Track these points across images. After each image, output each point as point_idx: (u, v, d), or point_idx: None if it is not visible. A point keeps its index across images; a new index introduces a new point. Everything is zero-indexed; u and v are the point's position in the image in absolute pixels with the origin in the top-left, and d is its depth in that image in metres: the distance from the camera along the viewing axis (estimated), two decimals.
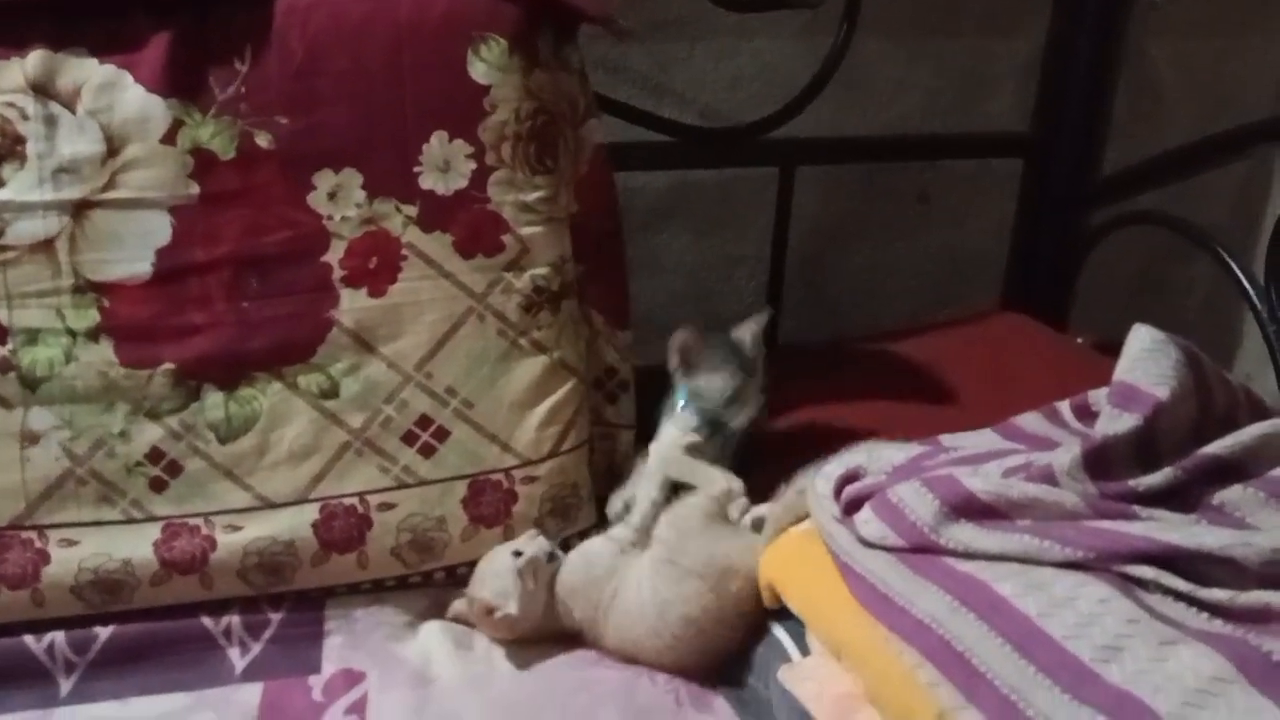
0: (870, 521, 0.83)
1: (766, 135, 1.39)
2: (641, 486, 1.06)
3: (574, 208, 1.09)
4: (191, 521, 0.98)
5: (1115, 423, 0.78)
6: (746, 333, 1.10)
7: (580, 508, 1.08)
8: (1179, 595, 0.69)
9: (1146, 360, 0.80)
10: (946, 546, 0.78)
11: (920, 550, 0.79)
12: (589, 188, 1.11)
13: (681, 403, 1.09)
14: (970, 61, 1.58)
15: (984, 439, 0.97)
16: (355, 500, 1.01)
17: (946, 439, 0.97)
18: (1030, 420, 0.97)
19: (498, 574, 0.97)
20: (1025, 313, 1.45)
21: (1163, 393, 0.77)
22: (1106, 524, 0.75)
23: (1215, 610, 0.68)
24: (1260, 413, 0.83)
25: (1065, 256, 1.48)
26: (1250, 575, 0.69)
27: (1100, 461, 0.78)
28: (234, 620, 0.99)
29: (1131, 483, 0.77)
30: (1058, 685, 0.66)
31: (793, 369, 1.36)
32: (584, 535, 1.08)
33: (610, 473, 1.14)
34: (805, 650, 0.88)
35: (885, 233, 1.65)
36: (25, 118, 0.95)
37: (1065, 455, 0.80)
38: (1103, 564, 0.72)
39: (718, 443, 1.08)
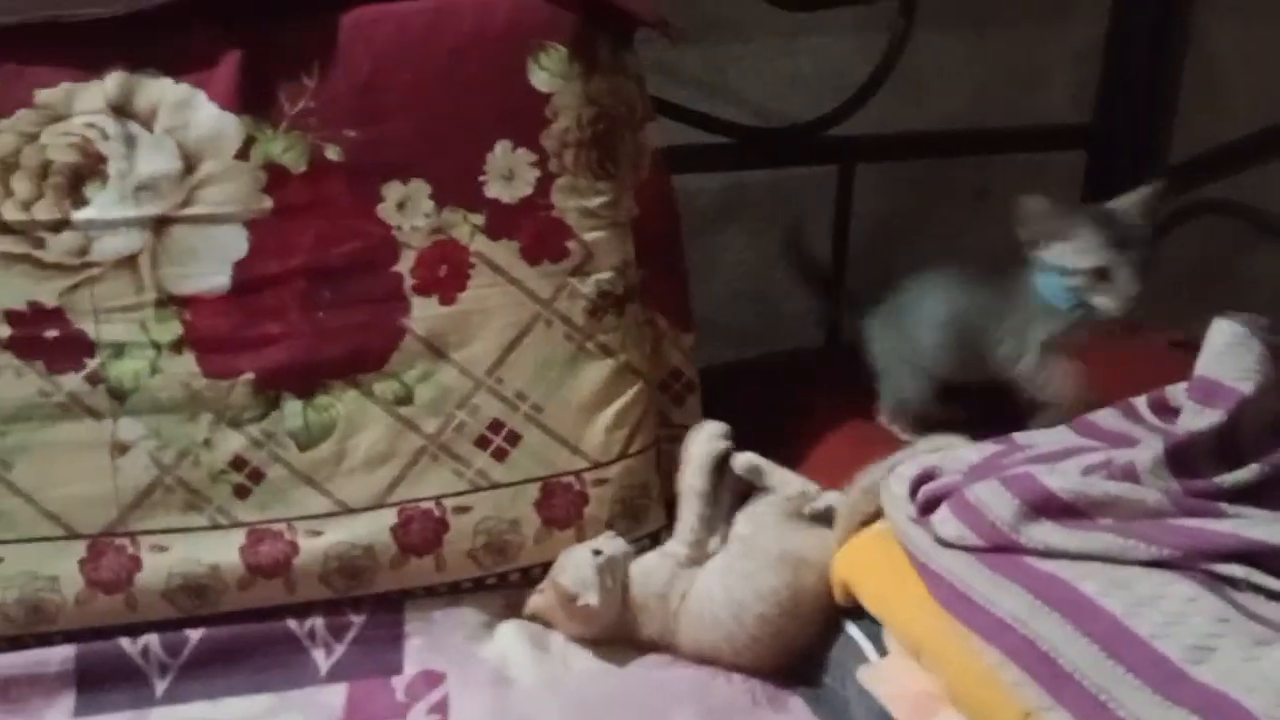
0: (948, 521, 0.83)
1: (824, 134, 1.39)
2: (682, 506, 1.04)
3: (635, 212, 1.10)
4: (275, 527, 1.00)
5: (1198, 419, 0.77)
6: (1127, 202, 1.01)
7: (650, 509, 1.09)
8: (1271, 594, 0.68)
9: (1229, 355, 0.79)
10: (1027, 546, 0.77)
11: (1000, 550, 0.78)
12: (648, 192, 1.12)
13: (1040, 280, 1.03)
14: (1028, 52, 1.56)
15: (1060, 436, 0.96)
16: (432, 504, 1.02)
17: (1020, 437, 0.96)
18: (1107, 417, 0.96)
19: (578, 565, 0.99)
20: None
21: (1247, 388, 0.77)
22: (1192, 522, 0.74)
23: None
24: None
25: None
26: None
27: (1184, 458, 0.77)
28: (317, 622, 1.01)
29: (1217, 479, 0.76)
30: (1148, 685, 0.64)
31: (854, 370, 1.37)
32: (654, 538, 1.09)
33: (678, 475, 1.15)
34: (883, 650, 0.88)
35: (945, 229, 1.63)
36: (106, 137, 0.98)
37: (1147, 452, 0.79)
38: (1190, 562, 0.71)
39: (1077, 331, 1.02)
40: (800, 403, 1.26)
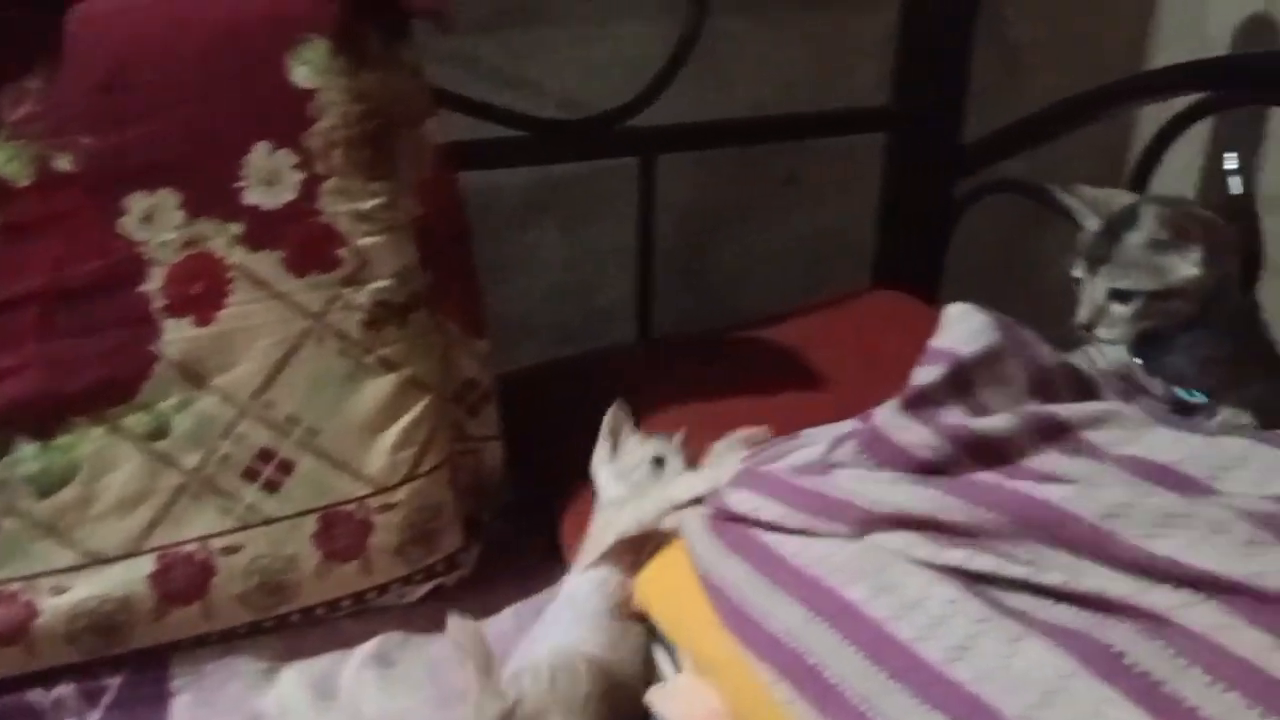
0: (744, 500, 0.83)
1: (623, 124, 1.34)
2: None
3: (418, 212, 1.03)
4: (8, 588, 0.89)
5: (923, 374, 0.84)
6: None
7: (445, 532, 1.02)
8: (1022, 585, 0.68)
9: (953, 327, 0.88)
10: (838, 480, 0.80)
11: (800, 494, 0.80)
12: (433, 191, 1.05)
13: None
14: (833, 35, 1.55)
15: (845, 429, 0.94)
16: (195, 546, 0.93)
17: (808, 433, 0.96)
18: (884, 411, 0.95)
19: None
20: (897, 289, 1.43)
21: (965, 349, 0.85)
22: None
23: (1056, 595, 0.67)
24: (1083, 387, 0.90)
25: (932, 230, 1.47)
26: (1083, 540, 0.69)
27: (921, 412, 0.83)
28: (66, 690, 0.91)
29: (969, 423, 0.81)
30: (909, 689, 0.64)
31: (668, 362, 1.33)
32: (451, 561, 1.03)
33: (477, 490, 1.08)
34: (679, 666, 0.84)
35: (757, 217, 1.62)
36: None
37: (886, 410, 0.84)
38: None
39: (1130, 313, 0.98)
40: (612, 403, 1.22)
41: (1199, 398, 0.96)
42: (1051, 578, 0.67)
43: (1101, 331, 0.99)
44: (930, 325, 0.97)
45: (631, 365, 1.34)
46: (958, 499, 0.73)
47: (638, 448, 1.02)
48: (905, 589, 0.70)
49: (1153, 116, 1.29)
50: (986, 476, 0.79)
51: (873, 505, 0.76)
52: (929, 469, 0.81)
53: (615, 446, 1.04)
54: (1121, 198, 1.02)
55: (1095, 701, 0.60)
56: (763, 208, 1.61)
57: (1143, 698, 0.59)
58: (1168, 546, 0.66)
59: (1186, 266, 0.94)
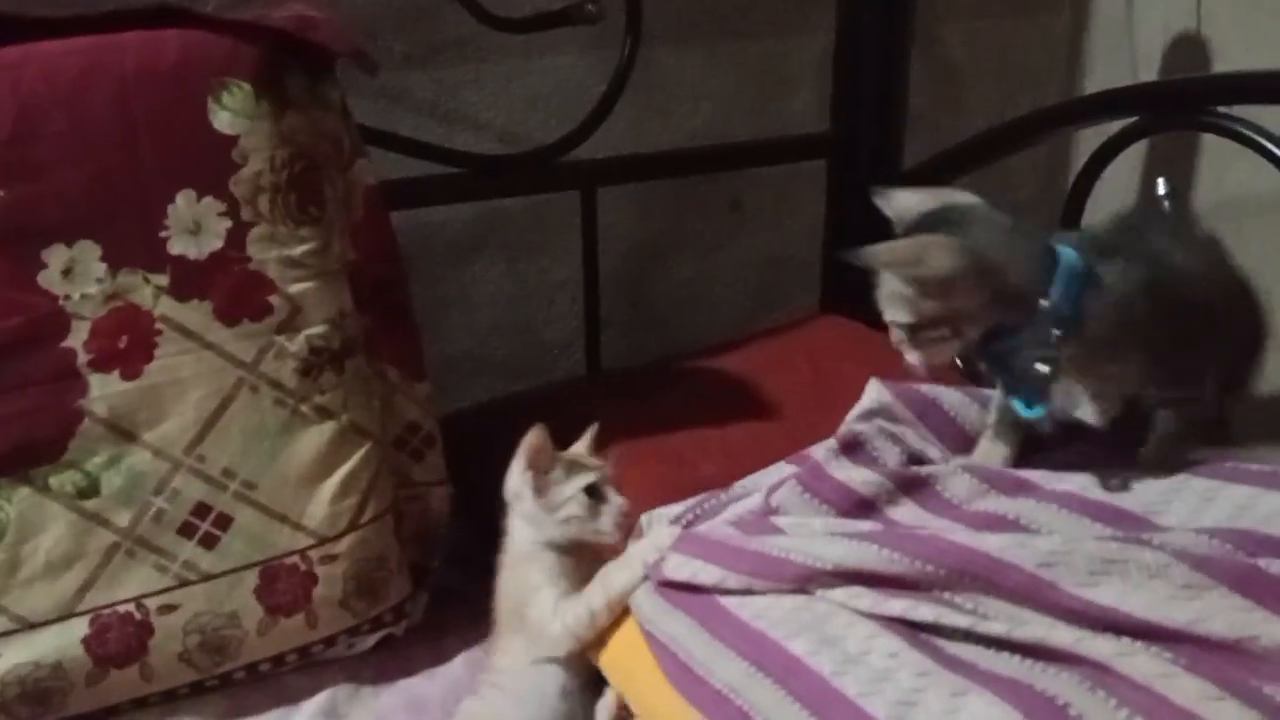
0: (682, 566, 0.80)
1: (563, 157, 1.34)
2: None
3: (350, 256, 1.01)
4: None
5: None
6: None
7: (390, 581, 1.00)
8: (966, 633, 0.68)
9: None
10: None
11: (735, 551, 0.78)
12: (366, 233, 1.03)
13: None
14: (767, 63, 1.55)
15: (775, 474, 0.95)
16: (131, 606, 0.90)
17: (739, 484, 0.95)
18: (820, 450, 0.94)
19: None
20: (844, 313, 1.43)
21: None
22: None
23: (999, 644, 0.67)
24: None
25: None
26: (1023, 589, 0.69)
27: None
28: None
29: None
30: None
31: (616, 394, 1.32)
32: (398, 610, 1.00)
33: (423, 536, 1.06)
34: None
35: (702, 244, 1.61)
36: None
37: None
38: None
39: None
40: (564, 438, 1.20)
41: (1035, 412, 0.86)
42: (993, 627, 0.67)
43: (910, 357, 0.87)
44: (878, 349, 0.96)
45: (581, 398, 1.32)
46: (897, 552, 0.72)
47: (564, 479, 0.91)
48: (847, 642, 0.69)
49: (1090, 137, 1.30)
50: (926, 521, 0.79)
51: (812, 562, 0.75)
52: (867, 505, 0.80)
53: (535, 480, 0.92)
54: (930, 202, 0.90)
55: None
56: (708, 235, 1.61)
57: None
58: (1106, 595, 0.66)
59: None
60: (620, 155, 1.40)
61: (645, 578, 0.84)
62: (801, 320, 1.46)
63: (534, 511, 0.91)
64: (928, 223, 0.87)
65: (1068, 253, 0.83)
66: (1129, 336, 0.83)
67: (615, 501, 0.90)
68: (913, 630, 0.69)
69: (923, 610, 0.69)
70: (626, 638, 0.82)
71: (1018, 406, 0.87)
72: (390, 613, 1.00)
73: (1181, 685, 0.60)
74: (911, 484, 0.85)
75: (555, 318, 1.56)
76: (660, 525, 0.91)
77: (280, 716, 0.95)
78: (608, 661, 0.85)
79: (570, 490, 0.90)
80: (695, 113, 1.52)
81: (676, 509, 0.92)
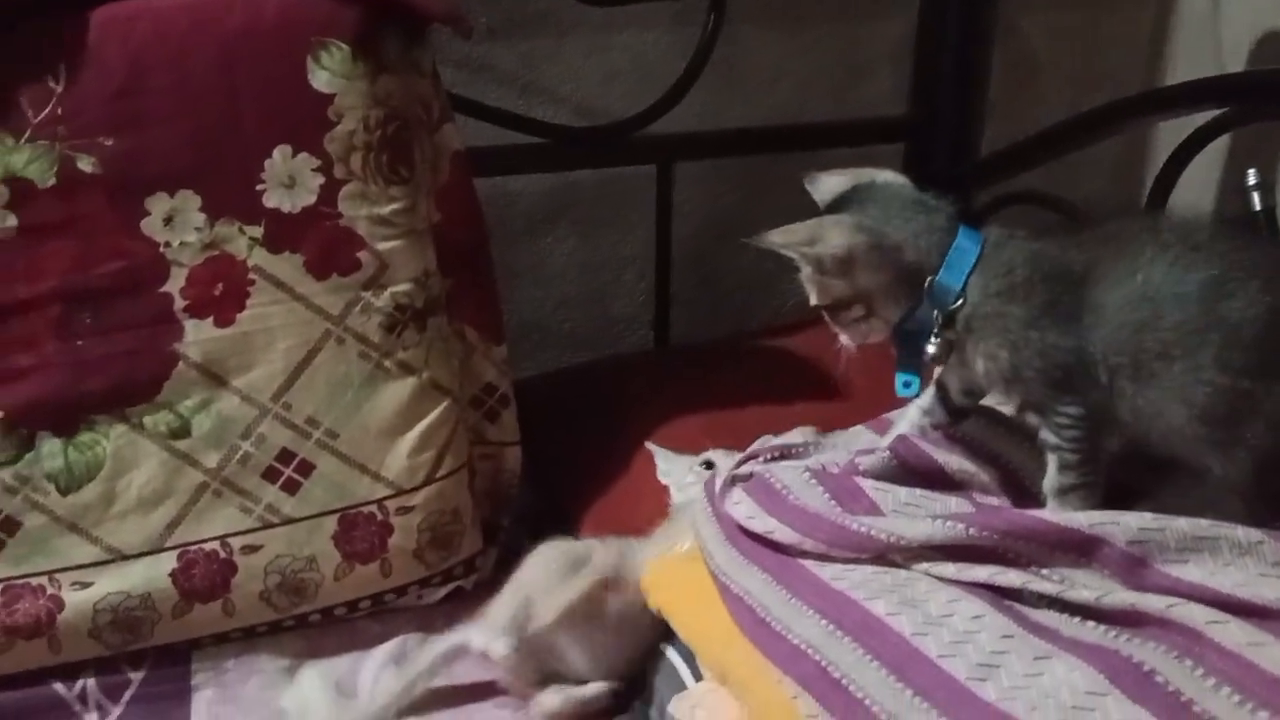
0: (742, 502, 0.82)
1: (640, 132, 1.35)
2: None
3: (436, 218, 1.04)
4: (34, 581, 0.90)
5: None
6: None
7: (463, 535, 1.02)
8: (1051, 600, 0.68)
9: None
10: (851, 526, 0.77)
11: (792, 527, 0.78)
12: (451, 197, 1.06)
13: None
14: (846, 45, 1.55)
15: (856, 437, 0.96)
16: (216, 545, 0.94)
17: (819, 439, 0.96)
18: (896, 414, 0.95)
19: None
20: None
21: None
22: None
23: (1085, 613, 0.67)
24: None
25: None
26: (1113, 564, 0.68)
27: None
28: (89, 683, 0.92)
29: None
30: (935, 707, 0.63)
31: (685, 369, 1.33)
32: (469, 564, 1.03)
33: (495, 494, 1.09)
34: (699, 674, 0.83)
35: (774, 225, 1.61)
36: None
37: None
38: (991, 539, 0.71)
39: None
40: (629, 409, 1.22)
41: (909, 391, 0.86)
42: (1082, 594, 0.67)
43: (841, 339, 0.88)
44: None
45: (648, 371, 1.34)
46: (985, 530, 0.72)
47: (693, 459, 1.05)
48: (929, 605, 0.70)
49: (1171, 128, 1.28)
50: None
51: (895, 540, 0.75)
52: (954, 484, 0.80)
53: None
54: (849, 182, 0.89)
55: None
56: (780, 216, 1.60)
57: (1174, 717, 0.59)
58: (1196, 572, 0.66)
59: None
60: (697, 131, 1.41)
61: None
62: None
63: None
64: (837, 203, 0.87)
65: (968, 232, 0.81)
66: (1001, 333, 0.78)
67: None
68: (996, 596, 0.69)
69: (1010, 576, 0.69)
70: (695, 588, 0.83)
71: (898, 381, 0.86)
72: (461, 566, 1.03)
73: (1272, 654, 0.60)
74: (996, 470, 0.84)
75: (623, 292, 1.58)
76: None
77: (352, 660, 0.98)
78: (673, 609, 0.86)
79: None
80: (773, 92, 1.52)
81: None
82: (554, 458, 1.19)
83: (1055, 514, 0.74)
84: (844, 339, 0.86)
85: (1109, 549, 0.69)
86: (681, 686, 0.83)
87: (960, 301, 0.79)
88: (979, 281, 0.79)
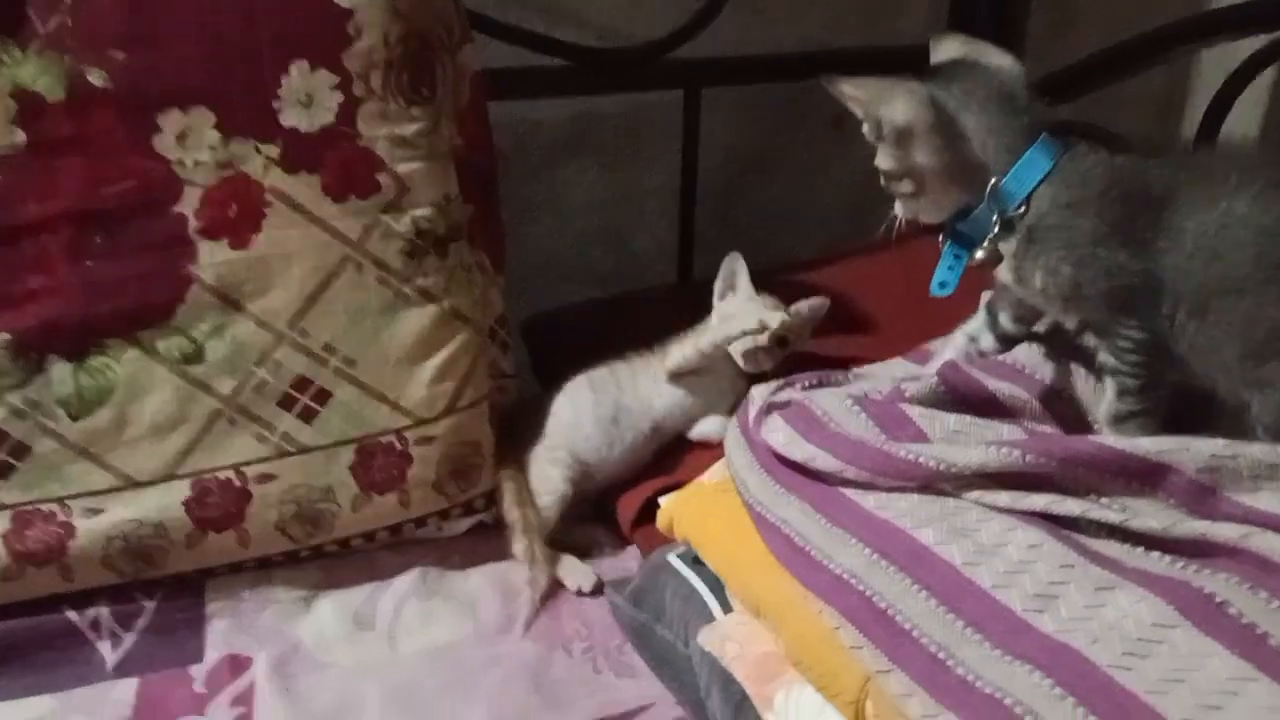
0: (778, 430, 0.79)
1: (668, 56, 1.30)
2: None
3: (456, 141, 1.00)
4: (45, 508, 0.88)
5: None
6: None
7: (483, 467, 1.00)
8: (1112, 529, 0.65)
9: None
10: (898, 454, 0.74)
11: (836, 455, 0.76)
12: (470, 120, 1.02)
13: None
14: None
15: (895, 367, 0.93)
16: (231, 473, 0.92)
17: (858, 370, 0.93)
18: (938, 343, 0.93)
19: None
20: None
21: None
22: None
23: (1150, 543, 0.64)
24: None
25: None
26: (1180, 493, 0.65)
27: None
28: (102, 611, 0.90)
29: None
30: (988, 639, 0.61)
31: (706, 307, 1.30)
32: (489, 497, 1.01)
33: (500, 426, 1.06)
34: (727, 606, 0.82)
35: (800, 160, 1.57)
36: None
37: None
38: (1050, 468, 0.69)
39: None
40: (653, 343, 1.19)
41: (942, 290, 0.85)
42: (1147, 523, 0.64)
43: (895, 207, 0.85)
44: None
45: (674, 305, 1.31)
46: (1043, 456, 0.69)
47: (746, 303, 1.09)
48: (980, 534, 0.66)
49: (1216, 58, 1.22)
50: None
51: (945, 468, 0.71)
52: (1006, 411, 0.78)
53: (725, 290, 1.12)
54: (961, 52, 0.85)
55: (1196, 653, 0.56)
56: (806, 152, 1.57)
57: (1248, 650, 0.56)
58: (1269, 500, 0.62)
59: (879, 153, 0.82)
60: (729, 56, 1.36)
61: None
62: (900, 239, 1.42)
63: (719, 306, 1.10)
64: (935, 71, 0.83)
65: (1046, 144, 0.77)
66: (1066, 247, 0.76)
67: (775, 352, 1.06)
68: (1054, 525, 0.67)
69: (1069, 504, 0.67)
70: (727, 518, 0.81)
71: (934, 280, 0.84)
72: (482, 498, 1.01)
73: None
74: (1050, 398, 0.81)
75: (645, 226, 1.54)
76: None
77: (371, 590, 0.96)
78: (702, 540, 0.84)
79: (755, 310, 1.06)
80: (804, 20, 1.47)
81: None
82: None
83: (1117, 440, 0.70)
84: (897, 207, 0.83)
85: (1176, 476, 0.66)
86: (710, 618, 0.81)
87: (1023, 209, 0.76)
88: (1048, 191, 0.76)
